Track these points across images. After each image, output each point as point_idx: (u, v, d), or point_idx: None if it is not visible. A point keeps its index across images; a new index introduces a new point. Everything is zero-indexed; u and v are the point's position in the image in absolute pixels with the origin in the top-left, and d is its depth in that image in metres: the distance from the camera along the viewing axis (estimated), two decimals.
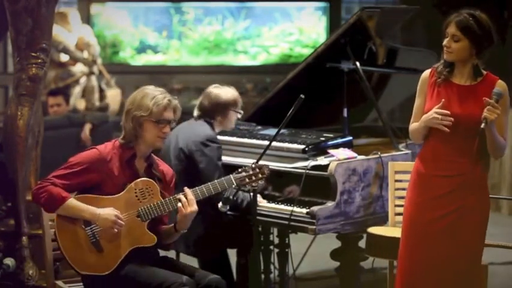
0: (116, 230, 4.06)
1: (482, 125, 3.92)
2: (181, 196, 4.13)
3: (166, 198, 4.15)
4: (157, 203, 4.12)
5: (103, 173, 4.14)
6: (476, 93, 4.04)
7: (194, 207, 4.12)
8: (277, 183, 5.14)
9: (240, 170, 4.24)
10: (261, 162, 4.34)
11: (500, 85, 4.05)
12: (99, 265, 4.08)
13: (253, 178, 4.22)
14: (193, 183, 4.84)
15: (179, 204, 4.11)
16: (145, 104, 4.14)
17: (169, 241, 4.29)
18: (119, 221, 4.06)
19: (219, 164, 5.02)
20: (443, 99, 4.02)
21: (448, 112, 4.00)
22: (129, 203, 4.12)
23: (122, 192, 4.12)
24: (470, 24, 4.00)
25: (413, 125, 4.19)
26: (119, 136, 4.24)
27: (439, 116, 3.99)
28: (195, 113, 5.23)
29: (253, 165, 4.26)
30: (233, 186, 4.22)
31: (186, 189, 4.16)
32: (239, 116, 5.23)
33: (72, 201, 4.09)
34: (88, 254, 4.09)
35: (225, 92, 5.18)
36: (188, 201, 4.12)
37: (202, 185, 4.19)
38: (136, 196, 4.13)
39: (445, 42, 4.06)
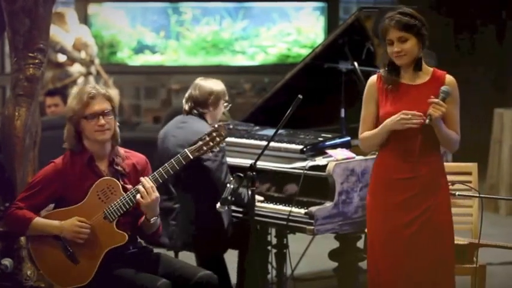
0: (82, 239, 4.02)
1: (427, 121, 3.93)
2: (139, 187, 4.02)
3: (128, 192, 4.05)
4: (119, 200, 4.04)
5: (65, 184, 4.11)
6: (426, 90, 4.03)
7: (154, 195, 4.00)
8: (276, 183, 5.14)
9: (195, 140, 4.12)
10: (260, 163, 4.33)
11: (449, 81, 4.06)
12: (78, 277, 4.05)
13: (211, 144, 4.10)
14: (205, 183, 4.80)
15: (138, 196, 4.01)
16: (70, 105, 4.14)
17: (151, 231, 4.18)
18: (82, 229, 4.01)
19: (225, 159, 5.01)
20: (403, 111, 3.98)
21: (417, 112, 3.96)
22: (94, 206, 4.05)
23: (85, 198, 4.07)
24: (407, 21, 4.01)
25: (367, 134, 4.13)
26: None
27: (408, 116, 3.96)
28: (185, 106, 5.16)
29: (210, 130, 4.13)
30: (190, 158, 4.07)
31: (143, 178, 4.06)
32: (227, 107, 5.20)
33: (38, 221, 4.09)
34: (67, 269, 4.06)
35: (215, 83, 5.16)
36: (147, 190, 4.00)
37: (160, 168, 4.08)
38: (100, 198, 4.06)
39: (394, 49, 4.02)
